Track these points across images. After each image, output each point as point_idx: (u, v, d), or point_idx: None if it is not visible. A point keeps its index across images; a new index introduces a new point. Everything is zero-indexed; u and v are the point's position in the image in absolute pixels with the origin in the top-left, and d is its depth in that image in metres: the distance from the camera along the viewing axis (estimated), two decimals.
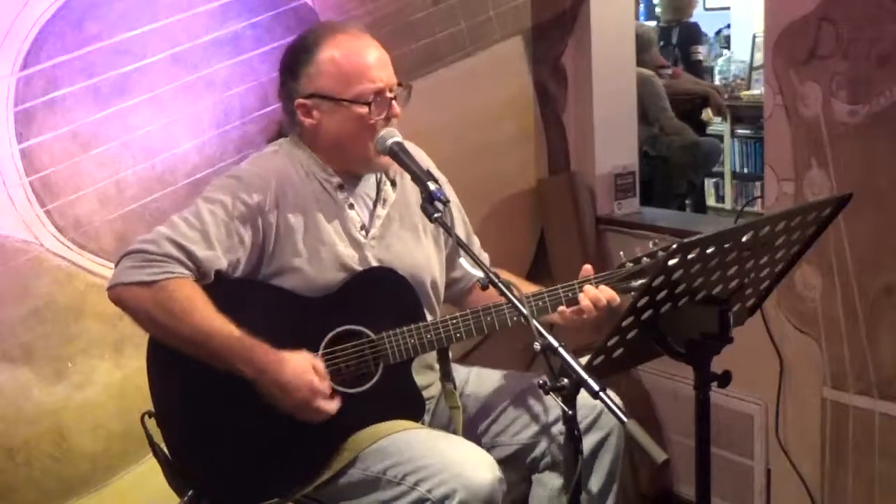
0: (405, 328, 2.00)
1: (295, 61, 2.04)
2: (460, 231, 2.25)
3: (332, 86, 2.00)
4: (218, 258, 1.94)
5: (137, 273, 1.89)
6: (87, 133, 2.45)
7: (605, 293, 2.03)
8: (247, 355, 1.87)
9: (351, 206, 2.08)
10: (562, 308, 2.05)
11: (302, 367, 1.89)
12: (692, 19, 6.75)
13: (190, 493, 1.99)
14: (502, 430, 2.14)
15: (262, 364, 1.87)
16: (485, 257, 2.32)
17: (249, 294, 2.00)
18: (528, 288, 2.11)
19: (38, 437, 2.44)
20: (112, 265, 2.00)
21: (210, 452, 1.98)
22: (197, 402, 1.97)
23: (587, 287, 2.04)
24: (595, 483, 2.08)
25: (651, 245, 2.08)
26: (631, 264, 2.09)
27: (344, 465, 1.96)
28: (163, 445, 2.01)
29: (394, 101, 2.01)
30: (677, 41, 6.42)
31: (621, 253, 2.12)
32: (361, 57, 2.00)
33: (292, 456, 1.96)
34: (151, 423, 2.02)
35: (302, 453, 1.96)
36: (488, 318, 2.01)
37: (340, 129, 2.02)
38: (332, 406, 1.91)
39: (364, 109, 1.98)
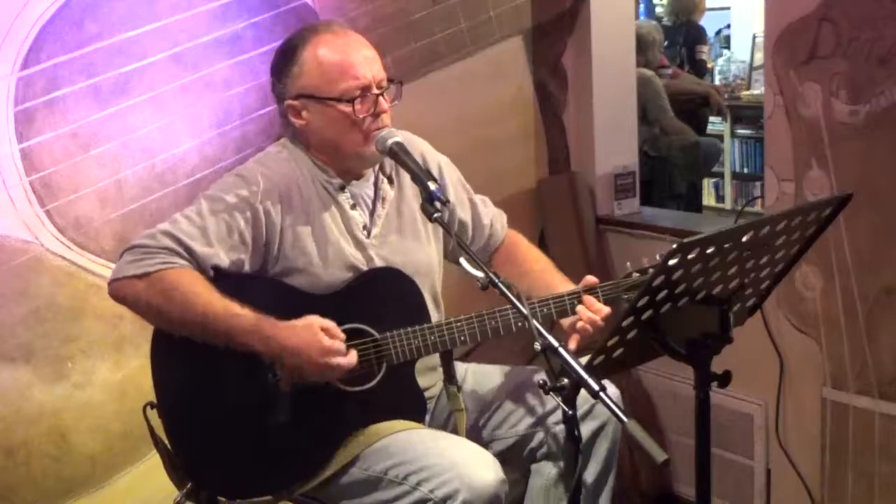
0: (410, 329, 2.00)
1: (281, 63, 2.04)
2: (465, 210, 2.24)
3: (316, 85, 1.99)
4: (217, 255, 1.94)
5: (135, 266, 1.90)
6: (87, 133, 2.45)
7: (602, 312, 2.02)
8: (252, 328, 1.88)
9: (353, 207, 2.08)
10: (567, 322, 2.05)
11: (307, 327, 1.89)
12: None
13: (189, 485, 1.99)
14: (500, 424, 2.15)
15: (269, 332, 1.88)
16: (499, 213, 2.31)
17: (255, 289, 2.00)
18: (557, 277, 2.14)
19: (37, 437, 2.44)
20: (112, 265, 2.00)
21: (211, 445, 1.98)
22: (200, 394, 1.97)
23: (581, 310, 2.02)
24: (591, 473, 2.07)
25: (658, 257, 2.07)
26: (637, 274, 2.08)
27: (345, 464, 1.96)
28: (164, 437, 2.02)
29: (381, 98, 2.00)
30: (684, 41, 6.47)
31: (628, 263, 2.11)
32: (344, 54, 1.99)
33: (293, 452, 1.96)
34: (153, 415, 2.02)
35: (303, 450, 1.96)
36: (493, 323, 2.01)
37: (329, 128, 2.01)
38: (351, 359, 1.90)
39: (349, 107, 1.98)
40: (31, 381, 2.42)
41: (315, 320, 1.91)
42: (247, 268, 1.99)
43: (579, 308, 2.02)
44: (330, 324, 1.91)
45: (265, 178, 2.00)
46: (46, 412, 2.44)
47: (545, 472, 2.12)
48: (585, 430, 2.03)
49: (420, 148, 2.18)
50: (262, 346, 1.89)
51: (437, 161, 2.22)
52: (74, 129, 2.43)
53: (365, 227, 2.09)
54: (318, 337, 1.89)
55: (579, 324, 2.01)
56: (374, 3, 2.87)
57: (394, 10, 2.91)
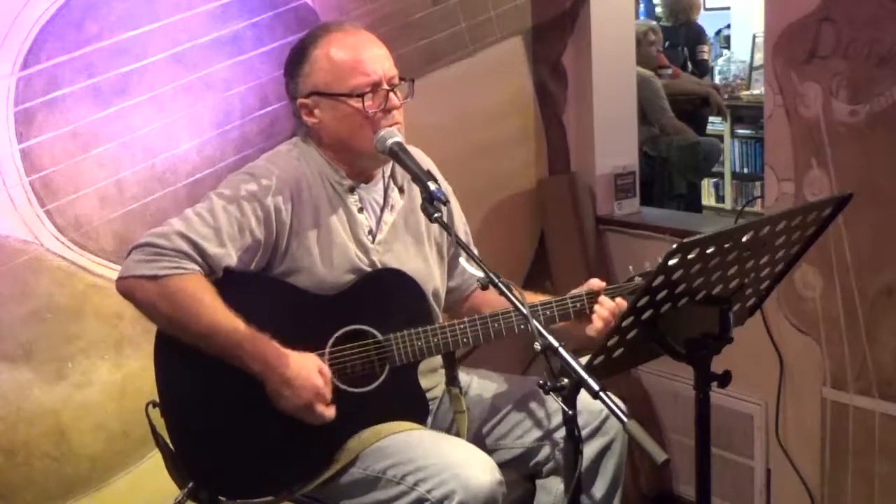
0: (412, 331, 2.00)
1: (294, 62, 2.06)
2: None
3: (327, 81, 2.00)
4: (229, 255, 1.94)
5: (146, 267, 1.89)
6: (87, 133, 2.44)
7: (621, 305, 2.03)
8: (254, 351, 1.88)
9: (360, 210, 2.09)
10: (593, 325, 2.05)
11: (309, 368, 1.90)
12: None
13: (190, 484, 1.99)
14: (505, 434, 2.15)
15: (270, 360, 1.88)
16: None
17: (259, 289, 2.01)
18: (532, 298, 2.11)
19: (37, 437, 2.44)
20: (112, 265, 2.00)
21: (213, 445, 1.98)
22: (202, 394, 1.97)
23: (604, 300, 2.04)
24: (599, 489, 2.08)
25: (660, 260, 2.07)
26: (640, 278, 2.08)
27: (345, 464, 1.97)
28: (165, 436, 2.02)
29: (391, 93, 2.01)
30: (685, 41, 6.48)
31: (630, 267, 2.12)
32: (355, 51, 2.01)
33: (294, 453, 1.96)
34: (155, 414, 2.02)
35: (304, 451, 1.96)
36: (496, 325, 2.01)
37: (340, 125, 2.02)
38: (330, 412, 1.92)
39: (359, 103, 1.98)
40: (31, 381, 2.41)
41: (316, 360, 1.93)
42: (254, 266, 1.99)
43: (597, 307, 2.04)
44: (326, 370, 1.93)
45: (276, 176, 2.01)
46: (46, 412, 2.44)
47: (552, 488, 2.12)
48: (593, 447, 2.05)
49: (429, 167, 2.18)
50: (259, 369, 1.89)
51: (444, 186, 2.22)
52: (74, 129, 2.42)
53: (370, 231, 2.09)
54: (317, 379, 1.90)
55: (604, 314, 2.03)
56: (374, 3, 2.87)
57: (394, 10, 2.91)
